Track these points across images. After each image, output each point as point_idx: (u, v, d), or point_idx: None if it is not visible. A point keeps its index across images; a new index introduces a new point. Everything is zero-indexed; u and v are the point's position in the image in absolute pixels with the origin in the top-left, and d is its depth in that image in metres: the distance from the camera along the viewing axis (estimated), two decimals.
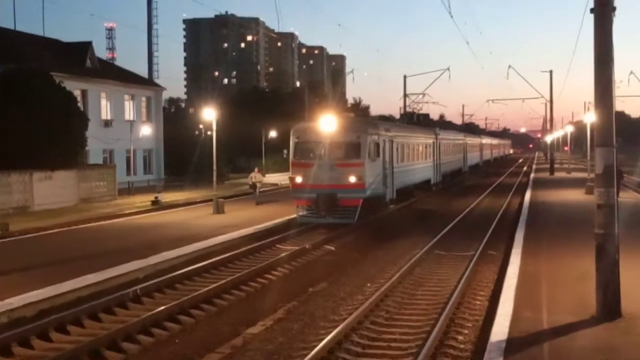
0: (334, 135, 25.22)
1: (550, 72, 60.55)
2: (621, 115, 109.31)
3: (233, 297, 15.04)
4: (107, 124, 49.24)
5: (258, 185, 33.89)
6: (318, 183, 24.82)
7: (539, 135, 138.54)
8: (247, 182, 37.09)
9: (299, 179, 25.45)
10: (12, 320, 12.49)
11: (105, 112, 49.96)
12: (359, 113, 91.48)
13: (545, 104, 67.66)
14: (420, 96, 56.38)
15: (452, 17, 28.58)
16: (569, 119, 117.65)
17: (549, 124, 74.32)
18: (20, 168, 32.76)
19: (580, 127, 79.20)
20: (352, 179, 24.81)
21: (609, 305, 10.77)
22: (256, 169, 35.35)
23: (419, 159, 36.50)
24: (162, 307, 13.29)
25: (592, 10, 10.93)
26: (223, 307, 14.30)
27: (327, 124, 25.22)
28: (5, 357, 10.79)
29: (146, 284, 15.21)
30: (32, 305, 13.16)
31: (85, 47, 50.79)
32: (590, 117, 39.76)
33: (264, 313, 13.60)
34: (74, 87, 42.48)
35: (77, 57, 48.74)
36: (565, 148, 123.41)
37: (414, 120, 49.97)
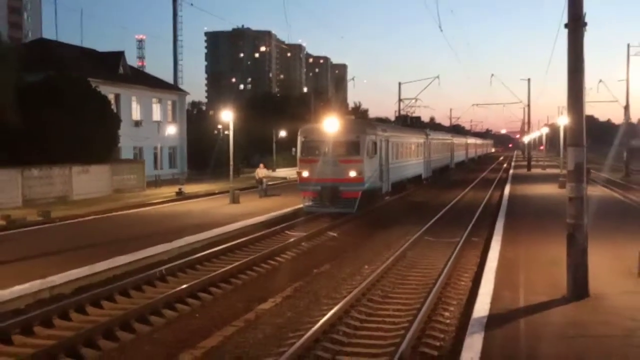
0: (336, 135, 25.19)
1: (529, 80, 60.65)
2: (591, 119, 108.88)
3: (247, 277, 15.05)
4: (137, 124, 49.24)
5: (265, 180, 32.64)
6: (322, 177, 24.79)
7: (518, 136, 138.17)
8: (254, 176, 35.03)
9: (305, 174, 25.42)
10: (53, 296, 12.54)
11: (136, 114, 49.93)
12: (358, 115, 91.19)
13: (524, 108, 67.65)
14: (413, 101, 56.23)
15: (442, 31, 28.64)
16: (544, 121, 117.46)
17: (526, 125, 74.10)
18: (61, 163, 32.82)
19: (554, 128, 78.95)
20: (353, 174, 24.80)
21: (578, 286, 10.76)
22: (261, 165, 33.69)
23: (411, 156, 36.42)
24: (185, 285, 13.30)
25: (566, 26, 10.88)
26: (238, 286, 14.31)
27: (331, 125, 25.21)
28: (47, 328, 10.84)
29: (171, 264, 15.23)
30: (71, 283, 13.20)
31: (118, 56, 50.79)
32: (563, 120, 39.64)
33: (274, 291, 13.60)
34: (108, 91, 42.49)
35: (111, 65, 48.76)
36: (541, 147, 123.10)
37: (407, 122, 49.73)
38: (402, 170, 33.21)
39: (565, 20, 10.89)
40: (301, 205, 25.64)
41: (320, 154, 25.38)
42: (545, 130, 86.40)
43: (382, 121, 77.62)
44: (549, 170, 55.42)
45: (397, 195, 32.18)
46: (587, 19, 10.82)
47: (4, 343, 10.00)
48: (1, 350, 9.79)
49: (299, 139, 26.31)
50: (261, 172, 32.60)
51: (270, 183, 34.65)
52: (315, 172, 24.97)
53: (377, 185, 27.13)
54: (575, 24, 10.76)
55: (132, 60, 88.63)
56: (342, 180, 24.71)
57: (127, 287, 13.24)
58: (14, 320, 10.66)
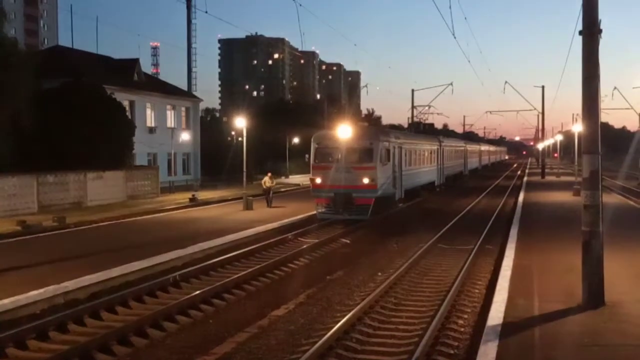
0: (349, 142, 25.18)
1: (543, 87, 60.17)
2: (605, 126, 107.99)
3: (260, 283, 15.06)
4: (151, 130, 49.51)
5: (272, 190, 30.62)
6: (335, 184, 24.76)
7: (532, 143, 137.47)
8: (261, 185, 31.51)
9: (318, 180, 25.40)
10: (68, 301, 12.61)
11: (150, 120, 50.22)
12: (371, 123, 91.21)
13: (538, 116, 67.21)
14: (426, 108, 56.20)
15: (455, 38, 28.62)
16: (558, 129, 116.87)
17: (540, 133, 73.74)
18: (76, 169, 33.07)
19: (568, 136, 78.59)
20: (366, 181, 24.77)
21: (594, 295, 10.66)
22: (269, 174, 31.10)
23: (424, 163, 36.31)
24: (198, 292, 13.33)
25: (580, 33, 10.83)
26: (251, 292, 14.33)
27: (344, 131, 25.21)
28: (62, 333, 10.90)
29: (184, 270, 15.29)
30: (85, 289, 13.28)
31: (133, 63, 51.15)
32: (578, 128, 39.42)
33: (287, 297, 13.61)
34: (123, 98, 42.75)
35: (125, 72, 49.06)
36: (555, 155, 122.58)
37: (420, 129, 49.69)
38: (415, 177, 33.13)
39: (580, 27, 10.85)
40: (313, 212, 25.63)
41: (334, 160, 25.38)
42: (559, 138, 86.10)
43: (396, 128, 77.60)
44: (563, 178, 55.04)
45: (410, 202, 32.08)
46: (602, 26, 10.77)
47: (19, 348, 10.07)
48: (16, 354, 9.87)
49: (312, 146, 26.31)
50: (268, 181, 30.51)
51: (283, 190, 34.55)
52: (329, 179, 24.96)
53: (390, 192, 27.07)
54: (590, 31, 10.71)
55: (146, 67, 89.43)
56: (356, 187, 24.68)
57: (141, 293, 13.29)
58: (29, 325, 10.73)
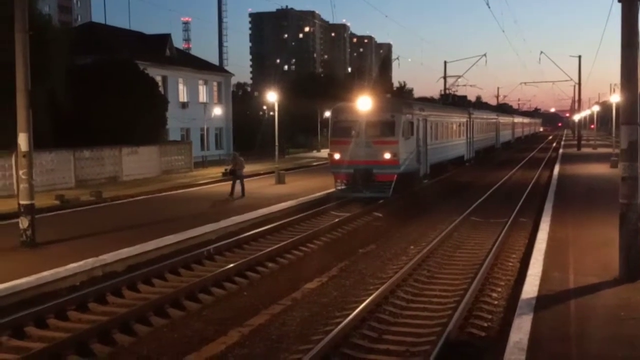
0: (370, 115, 23.84)
1: (579, 57, 58.76)
2: None
3: (293, 256, 15.15)
4: (184, 105, 49.87)
5: (239, 173, 24.35)
6: (355, 159, 23.54)
7: (568, 115, 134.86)
8: (240, 168, 24.64)
9: (337, 156, 24.12)
10: (106, 274, 12.88)
11: (183, 95, 50.59)
12: (403, 95, 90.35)
13: (574, 86, 65.92)
14: (458, 79, 55.35)
15: (489, 7, 28.01)
16: (595, 99, 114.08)
17: (577, 104, 72.18)
18: (111, 144, 33.54)
19: (606, 107, 76.79)
20: (387, 156, 23.40)
21: (631, 268, 10.51)
22: (235, 154, 25.79)
23: (452, 136, 35.15)
24: (232, 264, 13.48)
25: (619, 0, 10.54)
26: (284, 265, 14.44)
27: (364, 104, 23.88)
28: (101, 304, 11.16)
29: (218, 244, 15.43)
30: (122, 261, 13.53)
31: (164, 39, 51.41)
32: (615, 98, 38.51)
33: (319, 270, 13.69)
34: (156, 73, 43.02)
35: (158, 47, 49.36)
36: (592, 126, 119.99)
37: (449, 100, 48.69)
38: (442, 152, 31.86)
39: None
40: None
41: (353, 134, 23.91)
42: (596, 109, 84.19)
43: (427, 101, 76.71)
44: (600, 150, 53.92)
45: (437, 177, 30.95)
46: None
47: (60, 319, 10.35)
48: (57, 325, 10.14)
49: (331, 119, 25.18)
50: (236, 163, 24.71)
51: (315, 164, 34.27)
52: (348, 154, 23.65)
53: (414, 168, 25.74)
54: None
55: (178, 42, 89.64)
56: (376, 163, 23.39)
57: (177, 266, 13.50)
58: (69, 296, 11.02)
